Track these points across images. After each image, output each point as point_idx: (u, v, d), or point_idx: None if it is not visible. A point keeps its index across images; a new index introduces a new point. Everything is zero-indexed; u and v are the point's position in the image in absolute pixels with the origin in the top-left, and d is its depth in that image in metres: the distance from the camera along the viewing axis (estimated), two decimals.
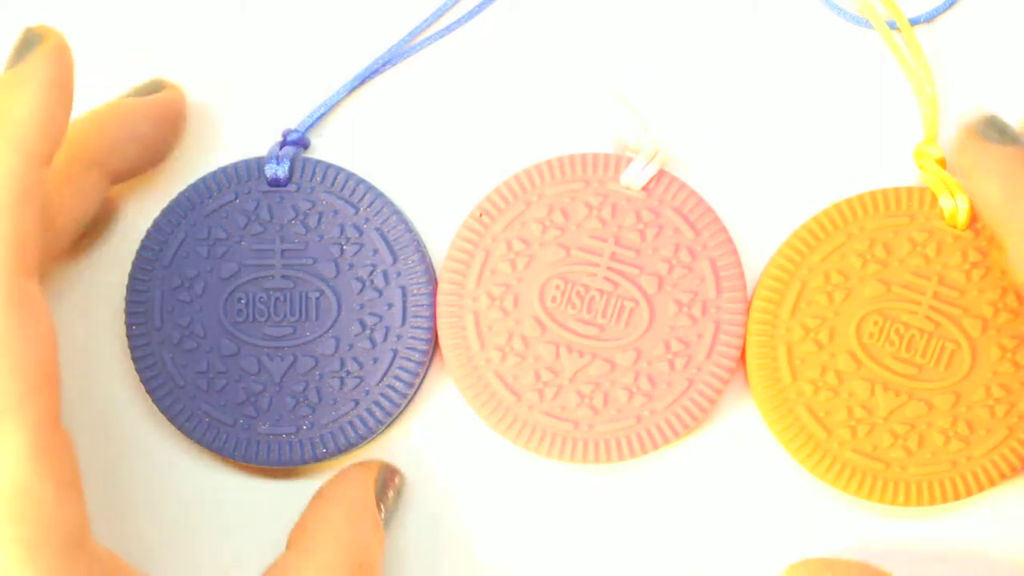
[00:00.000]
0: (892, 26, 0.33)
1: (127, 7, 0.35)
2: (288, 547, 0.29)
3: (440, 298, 0.32)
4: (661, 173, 0.32)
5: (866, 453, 0.30)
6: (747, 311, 0.31)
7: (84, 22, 0.35)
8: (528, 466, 0.33)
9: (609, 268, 0.32)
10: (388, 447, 0.33)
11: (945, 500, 0.30)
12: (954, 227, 0.31)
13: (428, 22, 0.34)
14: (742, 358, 0.32)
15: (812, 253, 0.31)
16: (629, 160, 0.32)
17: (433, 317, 0.32)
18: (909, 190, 0.31)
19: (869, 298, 0.31)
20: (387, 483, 0.31)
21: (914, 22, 0.34)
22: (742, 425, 0.32)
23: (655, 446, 0.31)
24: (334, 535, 0.29)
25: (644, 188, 0.32)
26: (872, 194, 0.31)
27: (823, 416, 0.31)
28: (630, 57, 0.34)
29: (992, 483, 0.30)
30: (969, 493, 0.30)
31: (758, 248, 0.33)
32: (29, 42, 0.27)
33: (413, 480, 0.33)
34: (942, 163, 0.32)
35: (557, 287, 0.32)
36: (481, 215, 0.32)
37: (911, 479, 0.30)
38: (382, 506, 0.31)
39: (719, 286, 0.31)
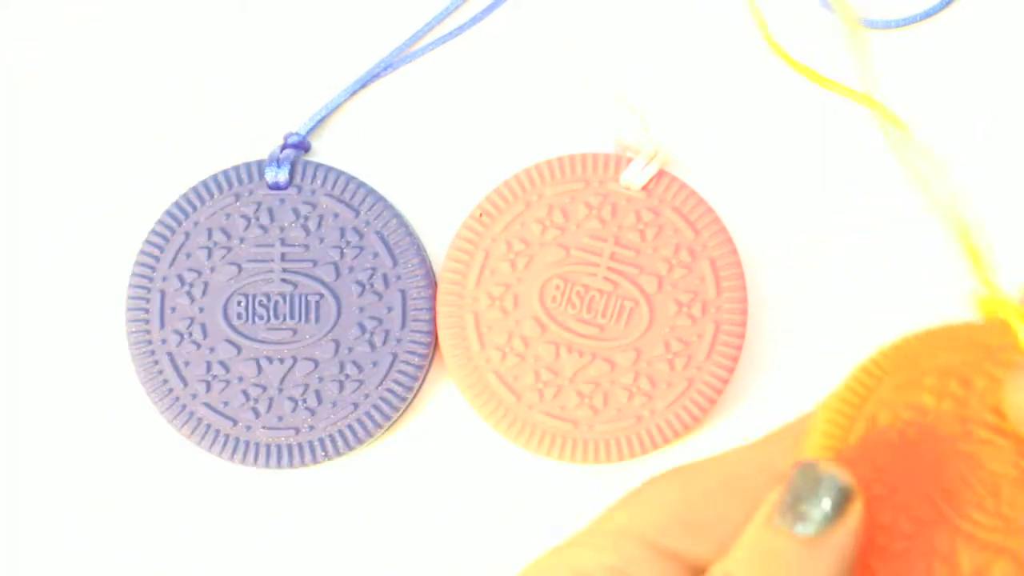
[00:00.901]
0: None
1: (127, 8, 0.35)
2: None
3: (440, 298, 0.32)
4: (661, 173, 0.32)
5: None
6: (747, 311, 0.31)
7: (83, 22, 0.35)
8: (528, 466, 0.32)
9: (609, 268, 0.32)
10: (388, 447, 0.33)
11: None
12: None
13: (429, 26, 0.35)
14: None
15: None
16: (629, 160, 0.32)
17: (433, 321, 0.32)
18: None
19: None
20: None
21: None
22: (742, 424, 0.32)
23: (655, 446, 0.31)
24: None
25: (644, 188, 0.32)
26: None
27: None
28: (630, 57, 0.34)
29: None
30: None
31: (758, 248, 0.33)
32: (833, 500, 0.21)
33: (413, 480, 0.33)
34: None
35: (557, 287, 0.31)
36: (481, 215, 0.32)
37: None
38: None
39: (719, 286, 0.31)
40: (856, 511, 0.20)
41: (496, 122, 0.34)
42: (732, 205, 0.33)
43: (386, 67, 0.34)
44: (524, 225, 0.32)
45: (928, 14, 0.34)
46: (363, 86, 0.34)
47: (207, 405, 0.32)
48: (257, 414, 0.32)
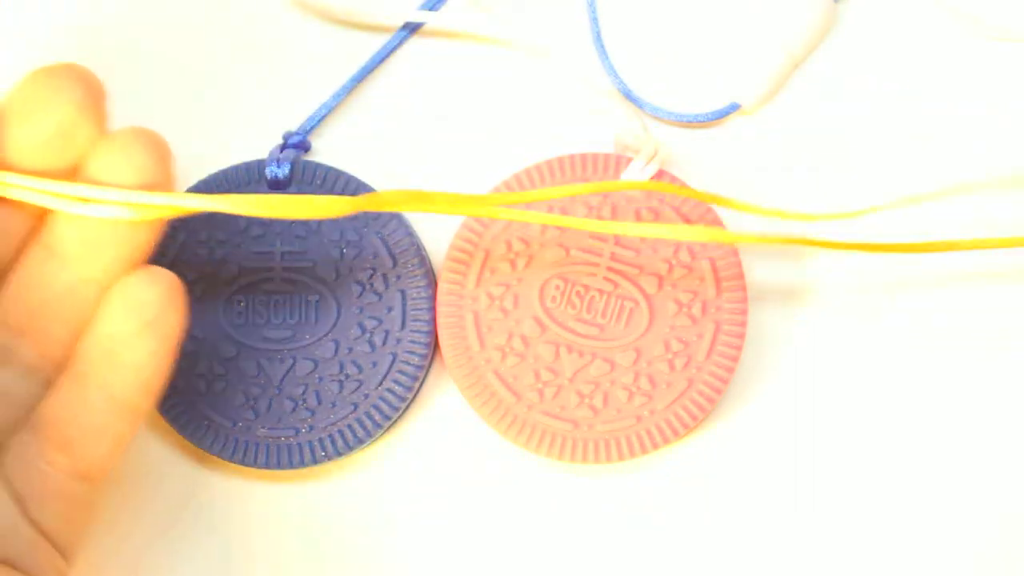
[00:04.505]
0: None
1: (127, 8, 0.35)
2: None
3: (440, 298, 0.32)
4: (661, 173, 0.32)
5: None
6: (747, 311, 0.31)
7: (82, 20, 0.35)
8: (528, 466, 0.32)
9: (609, 268, 0.32)
10: (388, 448, 0.33)
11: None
12: None
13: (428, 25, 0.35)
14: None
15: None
16: (629, 160, 0.32)
17: (432, 321, 0.32)
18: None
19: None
20: None
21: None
22: (742, 424, 0.32)
23: (655, 446, 0.31)
24: None
25: None
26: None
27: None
28: (630, 57, 0.34)
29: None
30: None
31: (757, 248, 0.33)
32: None
33: (414, 481, 0.33)
34: None
35: (557, 287, 0.32)
36: None
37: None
38: None
39: (719, 286, 0.31)
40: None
41: (496, 122, 0.34)
42: None
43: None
44: (524, 225, 0.32)
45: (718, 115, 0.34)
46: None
47: (206, 405, 0.32)
48: (256, 414, 0.32)
